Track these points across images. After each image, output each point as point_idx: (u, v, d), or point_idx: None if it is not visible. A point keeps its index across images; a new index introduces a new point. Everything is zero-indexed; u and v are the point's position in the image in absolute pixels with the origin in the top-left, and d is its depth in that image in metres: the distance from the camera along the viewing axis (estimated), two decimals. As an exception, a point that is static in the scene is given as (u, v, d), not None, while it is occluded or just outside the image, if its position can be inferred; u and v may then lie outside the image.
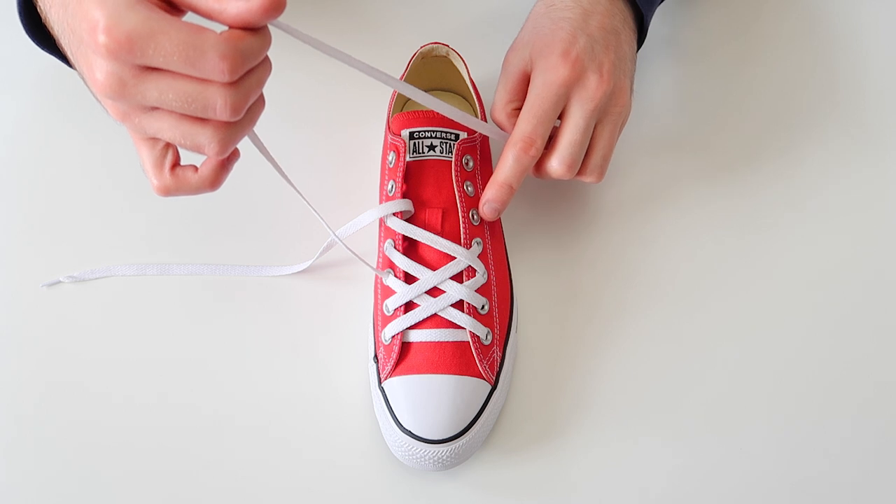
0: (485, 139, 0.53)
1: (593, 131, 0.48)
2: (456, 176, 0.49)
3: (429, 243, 0.48)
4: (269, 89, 0.61)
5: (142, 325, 0.53)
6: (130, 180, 0.57)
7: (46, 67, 0.61)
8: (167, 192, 0.40)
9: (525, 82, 0.49)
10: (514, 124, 0.48)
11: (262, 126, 0.59)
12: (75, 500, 0.49)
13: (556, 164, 0.47)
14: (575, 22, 0.48)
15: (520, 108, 0.48)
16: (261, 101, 0.39)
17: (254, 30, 0.34)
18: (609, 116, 0.48)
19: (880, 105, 0.61)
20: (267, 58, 0.37)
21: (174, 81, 0.33)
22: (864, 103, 0.61)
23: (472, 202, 0.50)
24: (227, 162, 0.41)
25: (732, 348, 0.53)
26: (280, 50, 0.62)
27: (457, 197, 0.49)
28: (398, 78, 0.55)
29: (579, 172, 0.49)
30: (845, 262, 0.56)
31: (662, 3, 0.55)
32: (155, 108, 0.35)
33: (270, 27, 0.35)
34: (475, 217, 0.50)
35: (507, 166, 0.47)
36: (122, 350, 0.52)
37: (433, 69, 0.56)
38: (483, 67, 0.56)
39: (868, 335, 0.54)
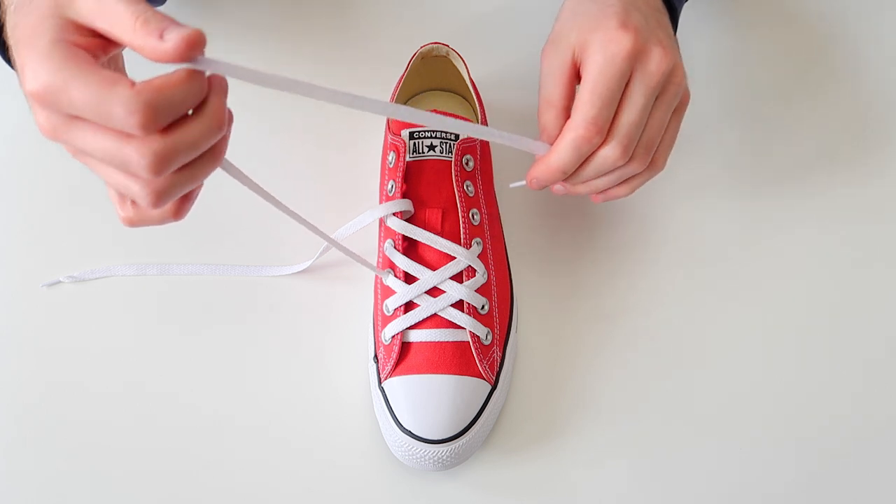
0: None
1: (651, 114, 0.42)
2: (456, 176, 0.49)
3: (429, 243, 0.48)
4: (265, 89, 0.61)
5: (141, 325, 0.53)
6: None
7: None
8: (131, 223, 0.39)
9: (575, 74, 0.43)
10: (559, 122, 0.43)
11: (262, 126, 0.59)
12: (76, 499, 0.49)
13: (613, 148, 0.41)
14: (625, 2, 0.42)
15: (569, 104, 0.43)
16: (215, 151, 0.36)
17: (188, 73, 0.32)
18: (667, 97, 0.42)
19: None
20: (218, 107, 0.35)
21: (96, 133, 0.32)
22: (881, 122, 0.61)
23: (472, 202, 0.50)
24: (187, 196, 0.38)
25: (733, 348, 0.53)
26: (280, 50, 0.63)
27: (457, 197, 0.49)
28: (398, 80, 0.56)
29: (648, 163, 0.44)
30: (847, 267, 0.56)
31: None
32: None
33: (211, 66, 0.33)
34: (475, 217, 0.50)
35: (564, 153, 0.41)
36: (121, 350, 0.52)
37: (433, 69, 0.56)
38: (483, 67, 0.56)
39: (869, 335, 0.54)
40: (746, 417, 0.51)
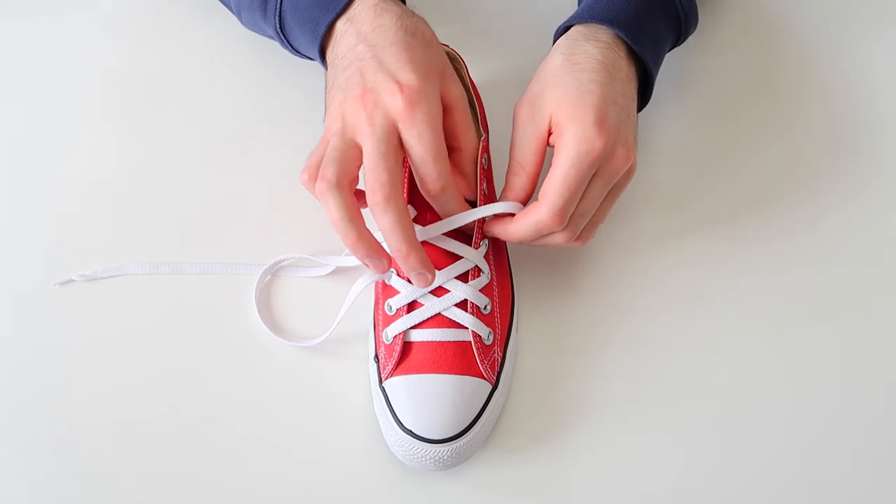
0: (487, 134, 0.53)
1: (601, 204, 0.48)
2: (480, 176, 0.49)
3: (437, 243, 0.48)
4: (267, 89, 0.61)
5: (152, 323, 0.53)
6: (144, 179, 0.57)
7: (59, 65, 0.62)
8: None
9: (546, 142, 0.47)
10: (529, 186, 0.48)
11: (261, 126, 0.59)
12: (80, 498, 0.49)
13: (564, 233, 0.46)
14: (604, 87, 0.46)
15: (538, 170, 0.48)
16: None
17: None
18: (617, 188, 0.48)
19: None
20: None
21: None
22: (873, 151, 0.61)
23: (485, 201, 0.50)
24: None
25: (733, 348, 0.53)
26: (280, 51, 0.62)
27: (478, 196, 0.49)
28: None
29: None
30: (848, 267, 0.56)
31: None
32: None
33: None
34: (486, 217, 0.50)
35: (526, 231, 0.46)
36: (132, 348, 0.52)
37: (433, 69, 0.56)
38: (483, 68, 0.56)
39: (870, 335, 0.54)
40: (746, 418, 0.51)
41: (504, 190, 0.49)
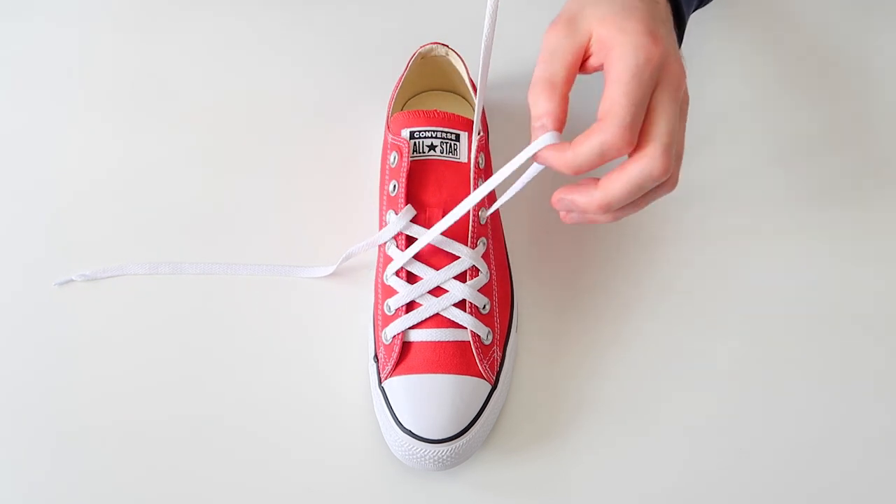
0: (488, 134, 0.53)
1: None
2: (475, 175, 0.49)
3: (435, 243, 0.48)
4: (267, 89, 0.61)
5: (152, 323, 0.53)
6: (144, 179, 0.58)
7: (59, 64, 0.62)
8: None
9: (581, 57, 0.41)
10: (563, 107, 0.40)
11: (262, 126, 0.60)
12: (81, 497, 0.49)
13: (655, 158, 0.39)
14: (648, 5, 0.41)
15: (568, 89, 0.41)
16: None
17: None
18: (683, 111, 0.41)
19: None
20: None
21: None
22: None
23: (483, 201, 0.50)
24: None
25: (733, 348, 0.53)
26: (280, 51, 0.63)
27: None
28: (398, 80, 0.56)
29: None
30: (848, 267, 0.56)
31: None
32: None
33: None
34: (483, 216, 0.50)
35: (586, 155, 0.39)
36: (132, 348, 0.53)
37: (433, 69, 0.56)
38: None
39: (871, 335, 0.54)
40: (746, 418, 0.51)
41: (533, 116, 0.41)
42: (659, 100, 0.39)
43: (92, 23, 0.63)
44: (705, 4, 0.52)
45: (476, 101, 0.46)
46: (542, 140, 0.40)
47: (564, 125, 0.40)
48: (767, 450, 0.51)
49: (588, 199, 0.41)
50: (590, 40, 0.41)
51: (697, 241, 0.56)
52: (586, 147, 0.39)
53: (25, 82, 0.61)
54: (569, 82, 0.41)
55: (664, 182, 0.41)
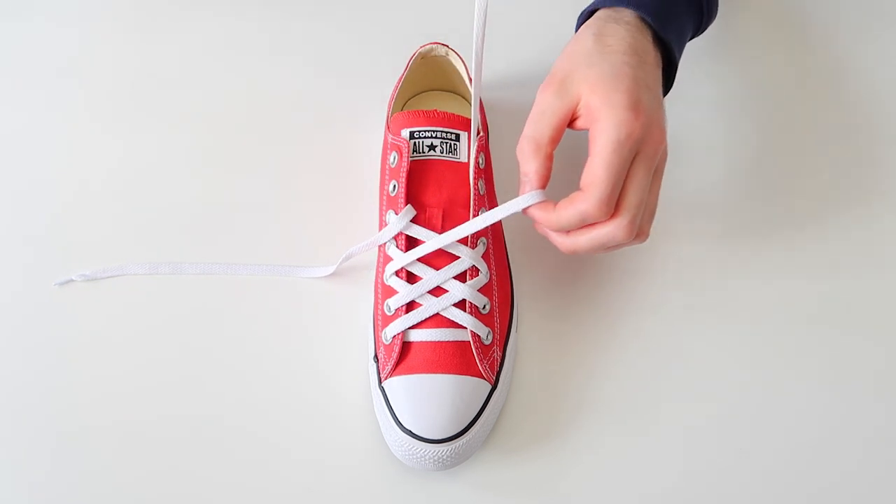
0: (488, 134, 0.53)
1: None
2: (475, 175, 0.49)
3: (435, 244, 0.48)
4: (267, 89, 0.61)
5: (152, 323, 0.53)
6: (144, 179, 0.58)
7: (59, 63, 0.62)
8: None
9: (568, 119, 0.45)
10: (547, 167, 0.45)
11: (262, 126, 0.60)
12: (81, 497, 0.49)
13: (620, 226, 0.43)
14: (636, 70, 0.45)
15: (553, 148, 0.45)
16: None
17: None
18: (658, 171, 0.46)
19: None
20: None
21: None
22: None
23: (482, 201, 0.50)
24: None
25: (733, 348, 0.53)
26: (280, 51, 0.63)
27: (472, 196, 0.49)
28: (398, 80, 0.56)
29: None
30: (846, 265, 0.56)
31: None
32: None
33: None
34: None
35: (569, 220, 0.44)
36: (132, 348, 0.53)
37: (433, 69, 0.56)
38: (483, 67, 0.56)
39: (871, 335, 0.54)
40: (746, 417, 0.51)
41: (521, 174, 0.46)
42: (635, 170, 0.44)
43: (92, 23, 0.63)
44: (702, 33, 0.54)
45: (472, 101, 0.46)
46: (528, 198, 0.45)
47: (548, 182, 0.45)
48: (767, 450, 0.51)
49: (559, 239, 0.46)
50: (578, 103, 0.45)
51: (698, 242, 0.56)
52: (568, 213, 0.44)
53: (25, 82, 0.61)
54: (554, 141, 0.45)
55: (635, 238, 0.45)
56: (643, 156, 0.44)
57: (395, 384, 0.47)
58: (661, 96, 0.47)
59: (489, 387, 0.48)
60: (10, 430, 0.51)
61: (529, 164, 0.45)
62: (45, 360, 0.52)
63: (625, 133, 0.43)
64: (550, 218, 0.45)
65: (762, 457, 0.51)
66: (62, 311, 0.54)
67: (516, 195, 0.46)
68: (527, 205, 0.45)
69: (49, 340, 0.53)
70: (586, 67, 0.45)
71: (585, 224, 0.44)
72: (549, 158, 0.45)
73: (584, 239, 0.45)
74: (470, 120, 0.50)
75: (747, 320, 0.54)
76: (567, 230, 0.45)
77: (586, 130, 0.45)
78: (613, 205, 0.43)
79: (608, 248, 0.45)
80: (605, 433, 0.51)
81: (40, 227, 0.56)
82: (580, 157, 0.45)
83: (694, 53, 0.60)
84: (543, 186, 0.45)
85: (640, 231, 0.45)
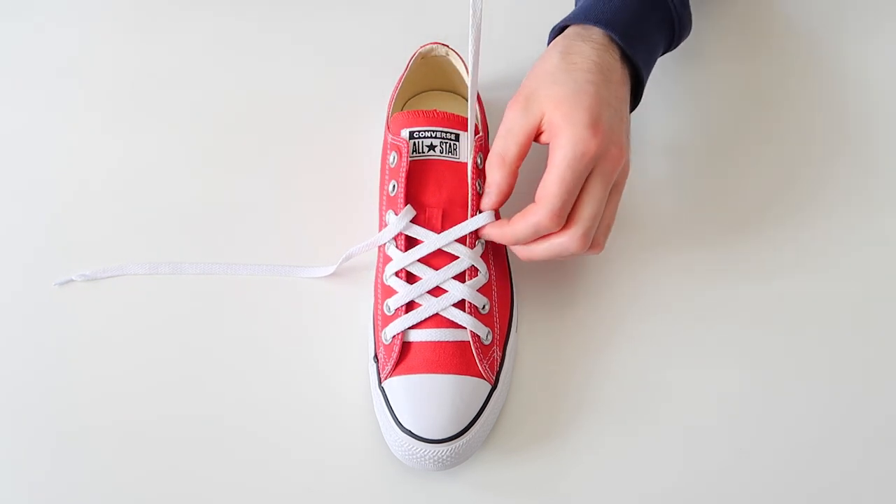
0: (487, 134, 0.53)
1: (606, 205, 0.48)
2: (472, 174, 0.49)
3: (434, 244, 0.48)
4: (267, 89, 0.61)
5: (152, 323, 0.53)
6: (144, 179, 0.58)
7: (59, 63, 0.62)
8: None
9: (534, 135, 0.48)
10: (510, 182, 0.48)
11: (262, 126, 0.60)
12: (81, 497, 0.49)
13: (573, 238, 0.46)
14: (599, 88, 0.47)
15: (519, 164, 0.48)
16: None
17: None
18: (617, 187, 0.48)
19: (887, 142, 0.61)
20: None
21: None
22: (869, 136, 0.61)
23: (479, 201, 0.49)
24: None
25: (733, 348, 0.53)
26: (280, 51, 0.63)
27: (470, 196, 0.49)
28: (398, 80, 0.56)
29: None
30: (844, 264, 0.56)
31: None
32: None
33: None
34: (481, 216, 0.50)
35: (523, 232, 0.46)
36: (132, 348, 0.53)
37: (433, 69, 0.56)
38: (482, 68, 0.56)
39: (873, 335, 0.54)
40: (746, 418, 0.51)
41: (485, 185, 0.49)
42: (591, 184, 0.46)
43: (92, 23, 0.64)
44: (674, 48, 0.55)
45: (469, 101, 0.46)
46: (479, 220, 0.48)
47: (509, 195, 0.48)
48: (767, 450, 0.51)
49: (499, 232, 0.48)
50: (542, 120, 0.47)
51: (698, 242, 0.56)
52: (522, 225, 0.46)
53: (26, 82, 0.61)
54: (520, 157, 0.48)
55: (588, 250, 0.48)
56: (600, 171, 0.46)
57: (394, 384, 0.47)
58: (626, 114, 0.49)
59: (489, 387, 0.48)
60: (11, 429, 0.51)
61: (494, 177, 0.48)
62: (45, 360, 0.52)
63: (581, 150, 0.45)
64: (505, 232, 0.47)
65: (762, 457, 0.51)
66: (62, 310, 0.54)
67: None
68: (478, 226, 0.48)
69: (49, 340, 0.53)
70: (551, 85, 0.47)
71: (540, 235, 0.46)
72: (514, 174, 0.48)
73: (540, 249, 0.47)
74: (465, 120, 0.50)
75: (747, 320, 0.54)
76: (523, 243, 0.47)
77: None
78: (565, 217, 0.45)
79: (563, 257, 0.47)
80: (605, 433, 0.51)
81: (40, 227, 0.56)
82: (540, 171, 0.46)
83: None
84: (505, 198, 0.48)
85: (594, 243, 0.47)
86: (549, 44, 0.52)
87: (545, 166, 0.46)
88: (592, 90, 0.46)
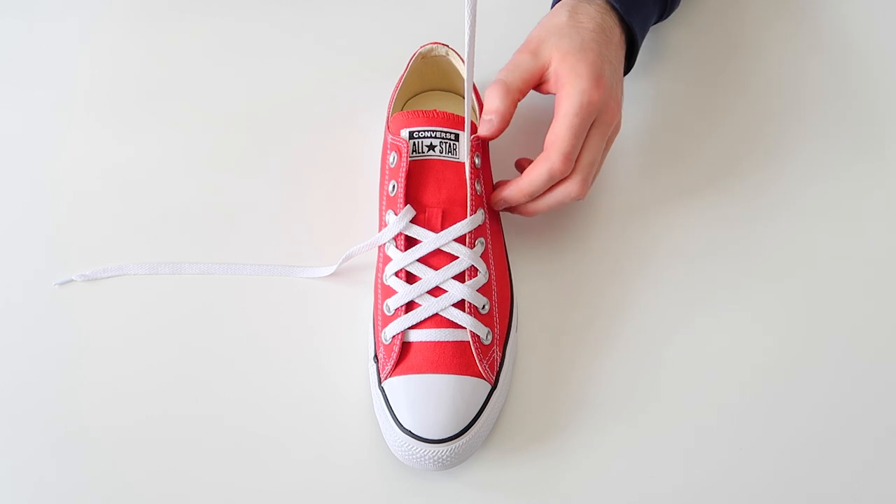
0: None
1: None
2: (470, 174, 0.49)
3: (433, 244, 0.48)
4: (266, 89, 0.61)
5: (152, 323, 0.53)
6: (144, 179, 0.58)
7: (58, 63, 0.62)
8: None
9: (538, 79, 0.50)
10: (510, 110, 0.49)
11: (262, 126, 0.60)
12: (80, 497, 0.49)
13: (575, 183, 0.49)
14: (602, 46, 0.50)
15: (518, 101, 0.50)
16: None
17: None
18: (609, 141, 0.52)
19: (871, 108, 0.61)
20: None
21: None
22: (856, 104, 0.61)
23: (479, 201, 0.50)
24: None
25: (733, 348, 0.53)
26: (280, 51, 0.63)
27: (469, 196, 0.49)
28: (398, 80, 0.56)
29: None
30: (840, 258, 0.56)
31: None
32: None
33: None
34: (480, 216, 0.50)
35: (539, 178, 0.49)
36: (132, 348, 0.53)
37: (433, 69, 0.56)
38: (483, 68, 0.56)
39: (868, 332, 0.54)
40: (747, 418, 0.51)
41: (484, 110, 0.50)
42: (591, 135, 0.49)
43: (92, 23, 0.64)
44: (665, 18, 0.59)
45: (465, 101, 0.46)
46: (477, 218, 0.49)
47: (507, 125, 0.50)
48: (768, 450, 0.51)
49: (515, 189, 0.50)
50: (548, 67, 0.50)
51: (698, 242, 0.56)
52: (536, 173, 0.49)
53: (26, 82, 0.61)
54: (522, 92, 0.50)
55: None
56: (599, 123, 0.49)
57: (394, 384, 0.47)
58: (622, 74, 0.53)
59: (489, 387, 0.48)
60: (11, 429, 0.51)
61: (494, 104, 0.49)
62: (44, 360, 0.52)
63: (586, 100, 0.48)
64: (521, 186, 0.50)
65: (763, 457, 0.50)
66: (62, 310, 0.54)
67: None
68: (476, 226, 0.49)
69: (49, 340, 0.53)
70: (558, 38, 0.50)
71: (553, 183, 0.49)
72: (514, 104, 0.50)
73: (546, 201, 0.50)
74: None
75: (748, 320, 0.54)
76: (538, 193, 0.50)
77: (551, 95, 0.50)
78: (574, 160, 0.48)
79: (563, 204, 0.51)
80: (604, 433, 0.51)
81: (40, 226, 0.56)
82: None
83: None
84: (503, 127, 0.50)
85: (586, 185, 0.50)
86: (552, 7, 0.55)
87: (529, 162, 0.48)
88: (595, 47, 0.50)
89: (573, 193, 0.50)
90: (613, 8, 0.53)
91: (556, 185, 0.50)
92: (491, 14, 0.62)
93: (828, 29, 0.64)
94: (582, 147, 0.49)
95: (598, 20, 0.52)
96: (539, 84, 0.51)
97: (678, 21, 0.64)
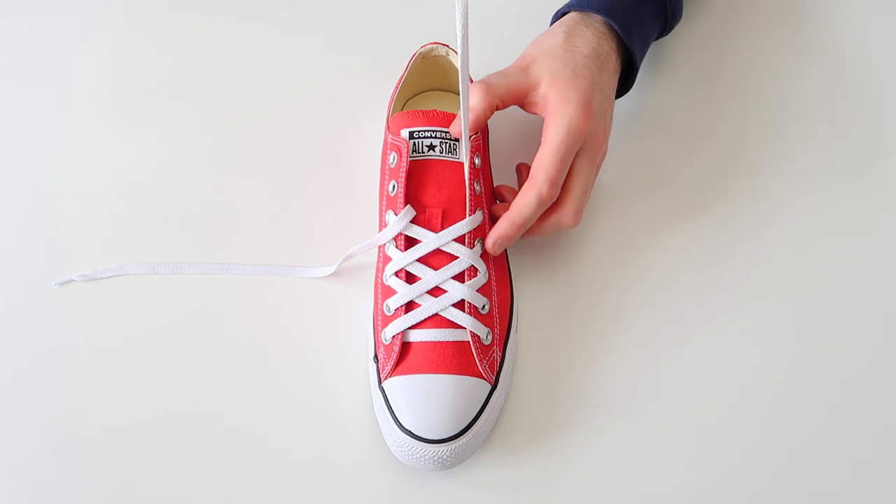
0: (485, 135, 0.53)
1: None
2: (470, 174, 0.49)
3: (433, 244, 0.48)
4: (266, 89, 0.61)
5: (152, 323, 0.53)
6: (144, 180, 0.58)
7: (58, 64, 0.62)
8: None
9: (524, 95, 0.50)
10: (485, 111, 0.49)
11: (261, 126, 0.60)
12: (86, 494, 0.49)
13: (568, 214, 0.49)
14: (594, 73, 0.50)
15: (498, 108, 0.50)
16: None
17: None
18: (596, 169, 0.51)
19: (865, 125, 0.61)
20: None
21: None
22: (850, 109, 0.61)
23: (479, 201, 0.50)
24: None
25: (734, 348, 0.53)
26: (279, 52, 0.63)
27: (468, 196, 0.49)
28: (398, 80, 0.56)
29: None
30: (839, 261, 0.56)
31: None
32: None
33: None
34: (479, 216, 0.50)
35: (528, 206, 0.48)
36: (132, 348, 0.53)
37: (433, 69, 0.56)
38: (483, 68, 0.56)
39: (868, 333, 0.54)
40: (747, 418, 0.51)
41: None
42: (579, 163, 0.49)
43: (92, 23, 0.64)
44: (667, 34, 0.58)
45: (462, 101, 0.46)
46: (476, 218, 0.49)
47: (481, 126, 0.50)
48: (768, 450, 0.51)
49: (509, 223, 0.49)
50: (537, 87, 0.50)
51: (698, 243, 0.56)
52: (524, 201, 0.48)
53: (26, 82, 0.61)
54: (503, 99, 0.50)
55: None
56: (586, 151, 0.49)
57: (394, 384, 0.47)
58: (613, 101, 0.52)
59: (489, 387, 0.48)
60: (11, 429, 0.51)
61: (474, 100, 0.49)
62: (44, 360, 0.52)
63: (574, 127, 0.48)
64: (512, 215, 0.49)
65: (763, 457, 0.50)
66: (62, 310, 0.54)
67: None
68: (475, 226, 0.49)
69: (49, 340, 0.53)
70: (551, 59, 0.50)
71: (543, 209, 0.49)
72: (492, 108, 0.49)
73: (539, 231, 0.50)
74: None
75: (748, 320, 0.54)
76: (530, 221, 0.49)
77: (537, 116, 0.50)
78: (559, 186, 0.48)
79: (549, 225, 0.50)
80: (604, 433, 0.51)
81: (40, 226, 0.56)
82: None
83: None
84: (476, 128, 0.49)
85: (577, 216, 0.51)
86: (550, 26, 0.54)
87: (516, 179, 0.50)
88: (588, 75, 0.49)
89: (566, 223, 0.50)
90: (612, 30, 0.52)
91: (548, 216, 0.50)
92: (491, 14, 0.62)
93: (823, 50, 0.64)
94: (573, 177, 0.49)
95: (594, 45, 0.51)
96: (525, 103, 0.50)
97: (671, 37, 0.63)
